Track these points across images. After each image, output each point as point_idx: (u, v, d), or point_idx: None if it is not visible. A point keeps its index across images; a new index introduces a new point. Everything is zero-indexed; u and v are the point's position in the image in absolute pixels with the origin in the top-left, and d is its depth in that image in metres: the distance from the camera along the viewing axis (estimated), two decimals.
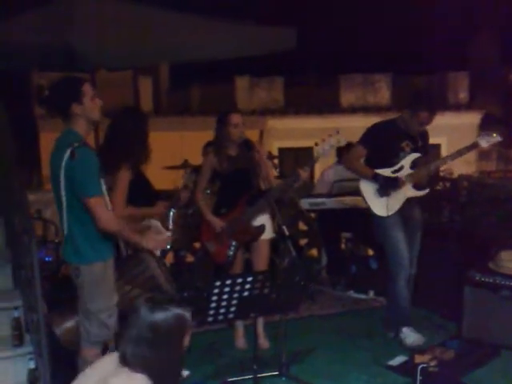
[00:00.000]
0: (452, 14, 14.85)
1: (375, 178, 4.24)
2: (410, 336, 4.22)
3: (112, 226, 3.00)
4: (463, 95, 15.72)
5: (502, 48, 15.02)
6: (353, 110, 14.88)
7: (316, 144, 3.96)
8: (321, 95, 14.99)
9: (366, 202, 4.31)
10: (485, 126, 14.96)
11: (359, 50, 14.56)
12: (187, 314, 2.13)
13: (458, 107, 15.28)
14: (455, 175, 6.59)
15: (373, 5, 14.57)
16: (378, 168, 4.25)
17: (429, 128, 4.30)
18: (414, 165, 4.23)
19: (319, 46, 13.87)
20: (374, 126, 4.34)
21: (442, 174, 6.16)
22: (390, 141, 4.22)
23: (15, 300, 3.76)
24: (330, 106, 14.88)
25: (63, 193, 2.97)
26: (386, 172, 4.23)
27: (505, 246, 4.43)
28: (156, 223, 3.73)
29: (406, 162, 4.22)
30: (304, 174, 3.93)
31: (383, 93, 15.27)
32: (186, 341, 2.16)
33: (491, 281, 4.17)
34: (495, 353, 4.02)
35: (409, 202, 4.26)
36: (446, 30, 14.67)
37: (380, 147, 4.23)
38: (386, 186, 4.21)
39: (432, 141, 4.45)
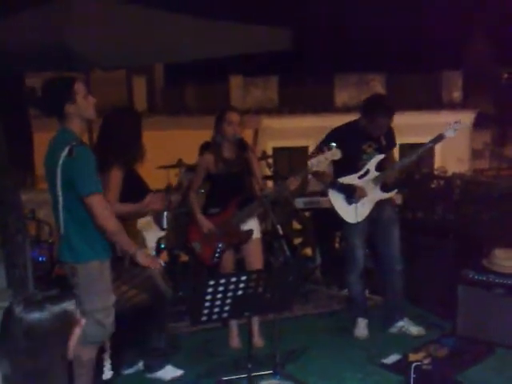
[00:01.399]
0: (446, 14, 14.90)
1: (332, 186, 4.27)
2: (412, 327, 4.36)
3: (110, 225, 3.00)
4: (457, 94, 15.79)
5: (495, 47, 15.07)
6: (347, 109, 14.90)
7: (310, 155, 3.96)
8: (315, 94, 15.02)
9: (335, 211, 4.31)
10: (478, 125, 15.02)
11: (354, 49, 14.59)
12: (70, 308, 1.78)
13: (452, 106, 15.34)
14: (449, 173, 6.61)
15: (367, 5, 14.59)
16: (344, 174, 4.22)
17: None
18: (380, 166, 4.22)
19: (314, 46, 13.89)
20: (334, 130, 4.31)
21: (436, 172, 6.19)
22: (351, 144, 4.14)
23: (8, 299, 3.74)
24: (325, 106, 14.92)
25: (60, 192, 2.96)
26: (351, 178, 4.22)
27: (498, 243, 4.45)
28: (148, 222, 3.72)
29: (371, 165, 4.21)
30: (295, 183, 3.92)
31: (378, 92, 15.30)
32: (74, 338, 1.80)
33: (485, 279, 4.19)
34: (489, 350, 4.03)
35: (378, 204, 4.28)
36: (441, 29, 14.71)
37: (342, 151, 4.06)
38: (346, 195, 4.22)
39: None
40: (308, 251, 6.08)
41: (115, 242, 3.11)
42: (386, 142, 4.27)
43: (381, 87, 15.28)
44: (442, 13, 14.92)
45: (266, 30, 5.46)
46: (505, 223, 5.10)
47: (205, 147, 4.75)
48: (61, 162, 2.91)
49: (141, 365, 3.85)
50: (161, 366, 3.77)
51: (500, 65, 15.43)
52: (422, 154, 4.22)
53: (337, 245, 6.12)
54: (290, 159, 14.38)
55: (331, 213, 5.66)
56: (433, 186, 5.85)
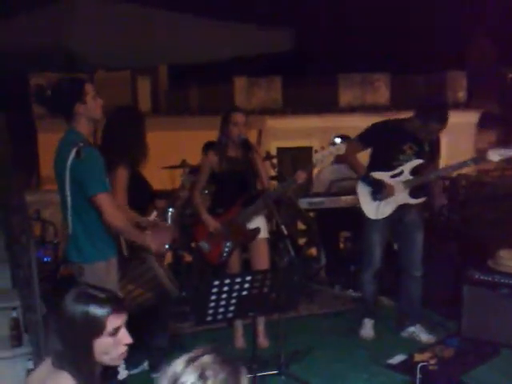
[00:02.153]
0: (450, 14, 14.87)
1: (363, 179, 4.23)
2: (422, 333, 4.30)
3: (119, 222, 3.02)
4: (461, 94, 15.74)
5: (500, 47, 15.03)
6: (351, 109, 14.88)
7: (316, 151, 3.95)
8: (319, 95, 14.99)
9: (358, 203, 4.30)
10: (483, 125, 14.97)
11: (358, 49, 14.56)
12: (103, 315, 1.87)
13: (456, 106, 15.29)
14: (454, 174, 6.59)
15: (371, 4, 14.57)
16: (378, 169, 4.18)
17: None
18: (415, 171, 4.14)
19: (318, 46, 13.88)
20: (376, 125, 4.25)
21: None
22: (390, 142, 4.12)
23: (14, 300, 3.76)
24: (329, 106, 14.89)
25: (68, 193, 2.98)
26: (383, 175, 4.17)
27: (504, 244, 4.43)
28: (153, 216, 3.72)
29: (407, 167, 4.13)
30: (302, 176, 3.92)
31: (382, 92, 15.28)
32: (101, 344, 1.88)
33: (490, 279, 4.17)
34: (495, 351, 4.02)
35: (403, 207, 4.21)
36: (445, 29, 14.68)
37: (380, 147, 4.17)
38: (374, 190, 4.18)
39: None
40: (313, 251, 6.07)
41: (126, 238, 3.12)
42: (430, 149, 4.14)
43: (385, 87, 15.25)
44: (447, 12, 14.89)
45: (269, 30, 5.46)
46: (510, 223, 5.08)
47: (208, 147, 4.76)
48: (69, 163, 2.93)
49: (146, 365, 3.85)
50: (166, 366, 3.77)
51: (505, 64, 15.38)
52: (459, 169, 4.16)
53: (341, 245, 6.11)
54: (294, 159, 14.36)
55: (335, 213, 5.68)
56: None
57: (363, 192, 4.26)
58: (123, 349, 1.91)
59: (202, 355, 1.56)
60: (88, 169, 2.93)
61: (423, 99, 4.24)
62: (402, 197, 4.17)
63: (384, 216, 4.20)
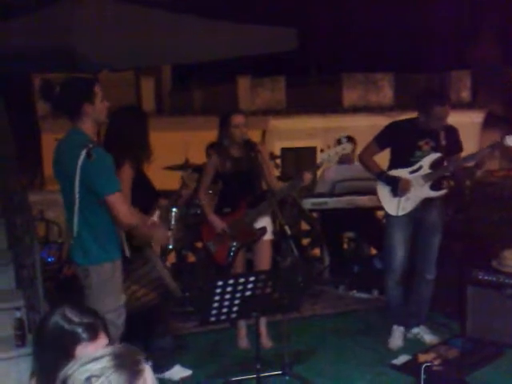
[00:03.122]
0: (454, 13, 14.84)
1: (379, 177, 4.23)
2: (426, 334, 4.28)
3: (132, 220, 3.05)
4: (465, 94, 15.71)
5: (504, 46, 14.99)
6: (355, 109, 14.87)
7: (321, 150, 3.95)
8: (323, 95, 14.98)
9: (379, 201, 4.29)
10: (487, 125, 14.94)
11: (361, 49, 14.55)
12: (75, 335, 1.80)
13: (460, 106, 15.26)
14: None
15: (375, 4, 14.55)
16: (396, 167, 4.19)
17: None
18: (435, 165, 4.13)
19: (321, 46, 13.87)
20: (391, 124, 4.30)
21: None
22: (405, 139, 4.14)
23: (17, 300, 3.76)
24: (333, 106, 14.87)
25: (77, 194, 2.96)
26: (401, 172, 4.16)
27: (508, 244, 4.41)
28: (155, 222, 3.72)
29: (425, 162, 4.12)
30: (308, 177, 3.92)
31: (386, 92, 15.26)
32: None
33: (495, 279, 4.16)
34: (499, 352, 4.00)
35: (425, 203, 4.18)
36: (449, 28, 14.65)
37: (396, 146, 4.20)
38: (392, 187, 4.17)
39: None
40: (316, 252, 6.06)
41: (136, 235, 3.18)
42: (448, 142, 4.12)
43: (389, 87, 15.23)
44: (451, 11, 14.86)
45: (272, 30, 5.45)
46: None
47: (212, 147, 4.76)
48: (80, 164, 2.90)
49: (149, 365, 3.85)
50: (169, 367, 3.77)
51: (509, 64, 15.34)
52: (477, 158, 4.10)
53: (345, 245, 6.10)
54: (298, 160, 14.35)
55: (339, 213, 5.67)
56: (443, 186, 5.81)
57: (383, 191, 4.26)
58: None
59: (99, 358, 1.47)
60: (100, 169, 2.93)
61: (416, 96, 4.27)
62: (422, 191, 4.15)
63: (405, 211, 4.16)
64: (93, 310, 1.94)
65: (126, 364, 1.43)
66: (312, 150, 13.99)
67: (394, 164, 4.23)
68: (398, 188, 4.14)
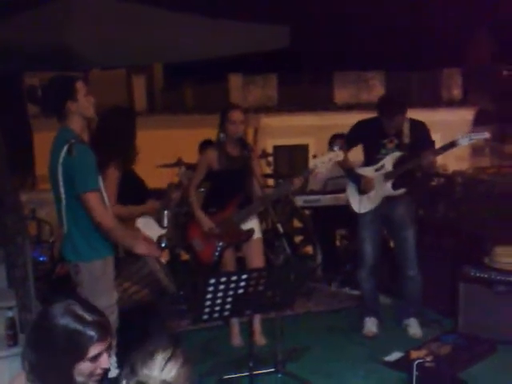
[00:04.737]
0: (446, 12, 14.88)
1: (347, 175, 4.39)
2: (412, 327, 4.34)
3: (107, 222, 3.00)
4: (456, 92, 15.78)
5: (495, 44, 15.06)
6: (347, 107, 14.90)
7: (314, 156, 3.97)
8: (315, 93, 15.00)
9: (348, 198, 4.42)
10: (478, 123, 15.00)
11: (352, 47, 14.57)
12: (87, 342, 1.79)
13: (451, 104, 15.33)
14: (449, 171, 6.59)
15: (367, 2, 14.57)
16: (366, 165, 4.29)
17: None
18: (397, 163, 4.18)
19: (312, 44, 13.87)
20: (356, 124, 4.39)
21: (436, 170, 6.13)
22: (370, 138, 4.23)
23: (9, 300, 3.74)
24: (324, 104, 14.90)
25: (62, 190, 2.97)
26: (367, 170, 4.26)
27: (499, 241, 4.44)
28: (148, 221, 3.71)
29: (387, 160, 4.19)
30: (298, 183, 3.94)
31: (377, 90, 15.29)
32: (78, 368, 1.80)
33: (486, 276, 4.18)
34: (491, 348, 4.02)
35: (390, 200, 4.24)
36: (440, 27, 14.70)
37: (364, 144, 4.31)
38: (357, 185, 4.30)
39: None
40: (309, 249, 6.07)
41: (112, 238, 3.09)
42: (413, 139, 4.14)
43: (380, 85, 15.27)
44: (442, 10, 14.90)
45: (264, 28, 5.45)
46: (506, 221, 5.08)
47: (204, 145, 4.75)
48: (61, 160, 2.93)
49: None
50: None
51: (500, 62, 15.40)
52: (434, 156, 4.12)
53: (338, 243, 6.11)
54: (291, 157, 14.36)
55: (332, 211, 5.68)
56: (433, 183, 5.82)
57: (351, 188, 4.40)
58: (100, 372, 1.84)
59: (174, 351, 1.69)
60: (78, 165, 2.93)
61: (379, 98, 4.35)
62: (383, 189, 4.22)
63: (366, 209, 4.28)
64: (96, 307, 1.92)
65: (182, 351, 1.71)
66: (304, 148, 14.02)
67: (365, 162, 4.33)
68: (359, 185, 4.27)
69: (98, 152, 3.42)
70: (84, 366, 1.80)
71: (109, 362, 1.83)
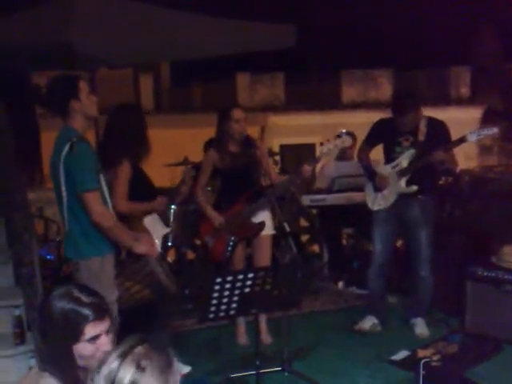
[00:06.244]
0: (454, 9, 14.80)
1: (364, 170, 4.46)
2: (418, 327, 4.33)
3: (105, 221, 3.01)
4: (465, 90, 15.69)
5: (503, 42, 14.97)
6: (354, 105, 14.85)
7: (321, 143, 3.96)
8: (322, 91, 14.96)
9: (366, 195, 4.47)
10: (486, 121, 14.92)
11: (360, 45, 14.52)
12: (81, 322, 1.82)
13: (459, 102, 15.25)
14: (457, 170, 6.55)
15: (374, 0, 14.53)
16: (385, 164, 4.34)
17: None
18: (412, 161, 4.19)
19: (320, 42, 13.84)
20: (376, 122, 4.44)
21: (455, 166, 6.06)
22: (386, 136, 4.28)
23: (16, 298, 3.76)
24: (332, 102, 14.86)
25: (63, 188, 2.99)
26: (384, 168, 4.31)
27: (507, 240, 4.41)
28: (154, 219, 3.72)
29: (403, 157, 4.21)
30: (307, 169, 3.92)
31: (385, 88, 15.23)
32: (78, 350, 1.83)
33: (494, 275, 4.16)
34: (498, 347, 4.01)
35: (405, 199, 4.22)
36: (448, 24, 14.62)
37: (383, 143, 4.36)
38: (371, 181, 4.37)
39: None
40: (315, 248, 6.06)
41: (111, 237, 3.09)
42: (429, 137, 4.13)
43: (388, 83, 15.21)
44: (450, 8, 14.83)
45: (270, 27, 5.45)
46: None
47: (209, 144, 4.75)
48: (63, 158, 2.95)
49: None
50: None
51: (509, 60, 15.31)
52: (443, 153, 4.08)
53: (344, 242, 6.10)
54: (298, 156, 14.34)
55: (338, 210, 5.67)
56: (441, 182, 5.80)
57: (368, 185, 4.44)
58: (101, 355, 1.81)
59: (134, 347, 1.53)
60: (79, 163, 2.94)
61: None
62: (397, 186, 4.23)
63: (380, 207, 4.29)
64: (96, 291, 1.95)
65: (158, 346, 1.56)
66: (311, 147, 13.98)
67: (385, 160, 4.37)
68: (373, 182, 4.33)
69: (110, 149, 3.44)
70: (83, 348, 1.82)
71: (109, 345, 1.83)
